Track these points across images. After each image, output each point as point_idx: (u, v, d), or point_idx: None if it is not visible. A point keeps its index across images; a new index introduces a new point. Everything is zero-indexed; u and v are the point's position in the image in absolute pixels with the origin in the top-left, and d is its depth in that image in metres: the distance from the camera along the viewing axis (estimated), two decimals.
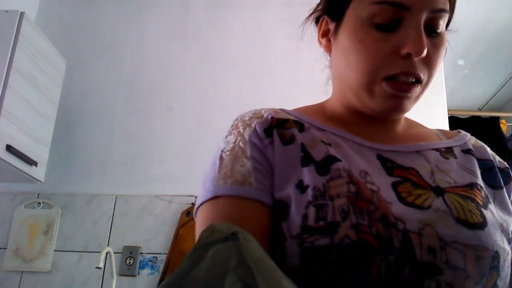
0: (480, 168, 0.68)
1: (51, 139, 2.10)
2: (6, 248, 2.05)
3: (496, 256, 0.54)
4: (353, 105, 0.69)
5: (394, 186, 0.59)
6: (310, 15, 0.75)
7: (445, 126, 2.31)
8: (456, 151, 0.69)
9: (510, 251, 0.58)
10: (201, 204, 0.61)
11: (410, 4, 0.60)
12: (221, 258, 0.34)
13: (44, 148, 2.05)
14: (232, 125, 0.69)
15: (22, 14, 1.87)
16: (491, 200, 0.63)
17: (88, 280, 2.01)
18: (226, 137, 0.68)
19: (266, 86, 2.33)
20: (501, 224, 0.58)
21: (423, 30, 0.60)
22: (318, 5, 0.74)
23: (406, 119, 0.76)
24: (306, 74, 2.26)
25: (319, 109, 0.74)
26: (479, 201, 0.60)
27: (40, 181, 2.03)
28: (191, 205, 2.11)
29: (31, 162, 1.91)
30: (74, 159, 2.22)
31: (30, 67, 1.92)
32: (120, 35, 2.45)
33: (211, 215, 0.58)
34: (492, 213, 0.59)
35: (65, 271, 2.03)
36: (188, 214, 2.09)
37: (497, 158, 0.73)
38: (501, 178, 0.68)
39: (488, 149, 0.73)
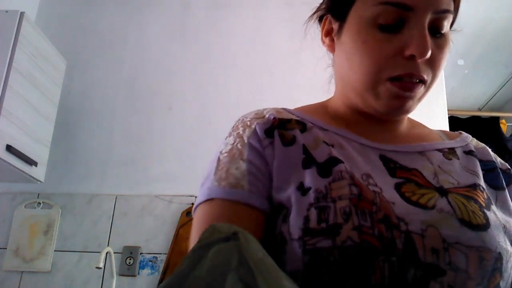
0: (482, 170, 0.68)
1: (51, 139, 2.10)
2: (6, 248, 2.05)
3: (499, 258, 0.54)
4: (356, 105, 0.69)
5: (397, 186, 0.59)
6: (314, 13, 0.75)
7: (445, 126, 2.31)
8: (459, 152, 0.69)
9: None
10: (198, 205, 0.62)
11: (414, 5, 0.59)
12: (222, 258, 0.34)
13: (44, 148, 2.05)
14: (233, 126, 0.69)
15: (22, 14, 1.87)
16: (493, 202, 0.63)
17: (88, 280, 2.01)
18: (226, 138, 0.68)
19: (266, 86, 2.33)
20: (504, 226, 0.58)
21: (427, 31, 0.60)
22: (321, 4, 0.74)
23: (409, 119, 0.75)
24: (306, 74, 2.26)
25: (322, 108, 0.74)
26: (482, 202, 0.60)
27: (40, 181, 2.03)
28: (191, 205, 2.11)
29: (31, 162, 1.91)
30: (74, 159, 2.22)
31: (30, 67, 1.92)
32: (120, 35, 2.45)
33: (204, 217, 0.59)
34: (495, 214, 0.59)
35: (65, 271, 2.03)
36: (188, 214, 2.09)
37: (499, 159, 0.73)
38: (503, 179, 0.68)
39: (490, 150, 0.73)
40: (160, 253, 2.05)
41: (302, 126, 0.66)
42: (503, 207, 0.63)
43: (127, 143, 2.24)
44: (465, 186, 0.62)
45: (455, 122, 3.07)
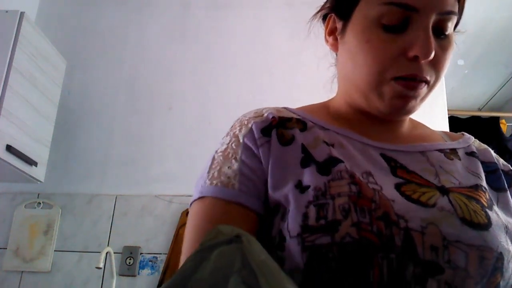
0: (484, 171, 0.68)
1: (51, 139, 2.10)
2: (6, 248, 2.05)
3: (500, 257, 0.54)
4: (359, 105, 0.69)
5: (398, 185, 0.59)
6: (317, 12, 0.75)
7: (445, 126, 2.31)
8: (460, 153, 0.69)
9: None
10: (192, 203, 0.63)
11: (419, 6, 0.59)
12: (225, 261, 0.34)
13: (44, 148, 2.05)
14: (232, 126, 0.70)
15: (22, 14, 1.87)
16: (495, 203, 0.63)
17: (88, 280, 2.01)
18: (223, 138, 0.68)
19: (266, 86, 2.33)
20: (506, 226, 0.58)
21: (431, 33, 0.60)
22: (325, 2, 0.74)
23: (411, 119, 0.75)
24: (306, 74, 2.26)
25: (323, 108, 0.74)
26: (484, 202, 0.60)
27: (40, 181, 2.03)
28: None
29: (31, 162, 1.91)
30: (74, 159, 2.22)
31: (30, 67, 1.92)
32: (120, 35, 2.44)
33: (196, 215, 0.61)
34: (497, 214, 0.59)
35: (65, 271, 2.03)
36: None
37: (501, 160, 0.73)
38: (505, 181, 0.68)
39: (492, 151, 0.73)
40: (160, 253, 2.05)
41: (303, 125, 0.67)
42: (505, 208, 0.64)
43: (127, 143, 2.24)
44: (467, 186, 0.62)
45: (455, 122, 3.07)
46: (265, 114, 0.68)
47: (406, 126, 0.72)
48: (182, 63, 2.39)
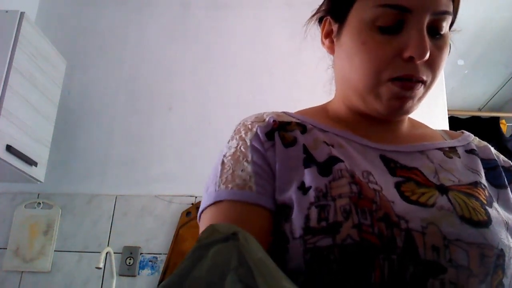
0: (484, 168, 0.68)
1: (51, 139, 2.10)
2: (6, 248, 2.05)
3: (501, 254, 0.54)
4: (357, 107, 0.69)
5: (397, 185, 0.59)
6: (313, 15, 0.75)
7: (445, 126, 2.31)
8: (460, 151, 0.69)
9: None
10: (204, 209, 0.62)
11: (413, 7, 0.60)
12: (222, 258, 0.34)
13: (44, 148, 2.05)
14: (235, 130, 0.70)
15: (22, 14, 1.87)
16: (495, 200, 0.63)
17: (88, 280, 2.01)
18: (228, 142, 0.68)
19: (266, 86, 2.33)
20: (506, 222, 0.58)
21: (425, 33, 0.60)
22: (321, 5, 0.74)
23: (410, 119, 0.76)
24: (306, 74, 2.26)
25: (322, 111, 0.74)
26: (483, 200, 0.60)
27: (40, 181, 2.03)
28: (191, 205, 2.11)
29: (31, 162, 1.91)
30: (74, 159, 2.22)
31: (30, 67, 1.92)
32: (120, 35, 2.45)
33: (213, 220, 0.59)
34: (497, 211, 0.59)
35: (65, 271, 2.03)
36: (188, 214, 2.09)
37: (501, 157, 0.73)
38: (505, 177, 0.68)
39: (492, 148, 0.73)
40: (160, 253, 2.05)
41: (302, 128, 0.67)
42: (505, 205, 0.64)
43: (127, 143, 2.24)
44: (466, 184, 0.62)
45: (455, 122, 3.07)
46: (266, 119, 0.68)
47: (405, 126, 0.72)
48: (182, 63, 2.39)
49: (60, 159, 2.20)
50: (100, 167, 2.20)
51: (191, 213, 2.08)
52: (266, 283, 0.33)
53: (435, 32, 0.62)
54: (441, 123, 2.28)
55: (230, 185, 0.60)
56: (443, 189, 0.59)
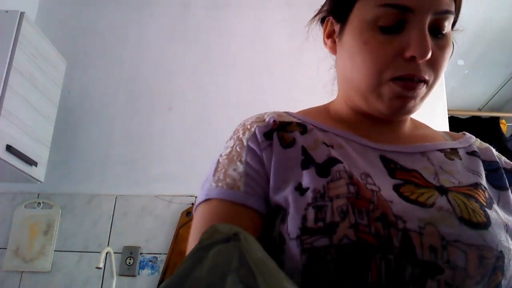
0: (485, 170, 0.68)
1: (51, 139, 2.10)
2: (6, 248, 2.05)
3: (500, 256, 0.54)
4: (359, 106, 0.69)
5: (396, 187, 0.59)
6: (316, 15, 0.75)
7: (445, 126, 2.31)
8: (461, 152, 0.69)
9: None
10: (197, 206, 0.63)
11: (414, 7, 0.60)
12: (222, 259, 0.34)
13: (44, 148, 2.05)
14: (234, 130, 0.70)
15: (22, 14, 1.87)
16: (495, 201, 0.63)
17: (88, 280, 2.01)
18: (227, 142, 0.69)
19: (266, 86, 2.33)
20: (506, 224, 0.58)
21: (427, 33, 0.60)
22: (323, 6, 0.74)
23: (412, 120, 0.76)
24: (306, 74, 2.26)
25: (324, 111, 0.74)
26: (483, 201, 0.60)
27: (40, 181, 2.03)
28: (191, 205, 2.11)
29: (31, 162, 1.91)
30: (74, 159, 2.22)
31: (30, 67, 1.92)
32: (120, 35, 2.45)
33: (202, 217, 0.60)
34: (497, 213, 0.59)
35: (65, 271, 2.03)
36: (188, 214, 2.09)
37: (503, 159, 0.73)
38: (506, 179, 0.68)
39: (494, 150, 0.73)
40: (160, 253, 2.05)
41: (303, 128, 0.67)
42: (506, 207, 0.63)
43: (127, 143, 2.24)
44: (466, 185, 0.62)
45: (455, 122, 3.07)
46: (267, 119, 0.68)
47: (407, 126, 0.72)
48: (182, 63, 2.39)
49: (60, 159, 2.20)
50: (100, 167, 2.20)
51: (191, 213, 2.08)
52: (266, 283, 0.33)
53: (437, 31, 0.62)
54: (441, 123, 2.28)
55: (220, 184, 0.61)
56: (443, 190, 0.59)
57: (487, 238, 0.54)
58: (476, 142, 0.73)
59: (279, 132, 0.66)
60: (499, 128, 3.16)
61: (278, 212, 0.59)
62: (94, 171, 2.19)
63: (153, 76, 2.36)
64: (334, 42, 0.71)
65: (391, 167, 0.63)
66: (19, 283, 2.01)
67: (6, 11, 1.86)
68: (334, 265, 0.52)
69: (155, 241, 2.07)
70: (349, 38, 0.66)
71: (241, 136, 0.67)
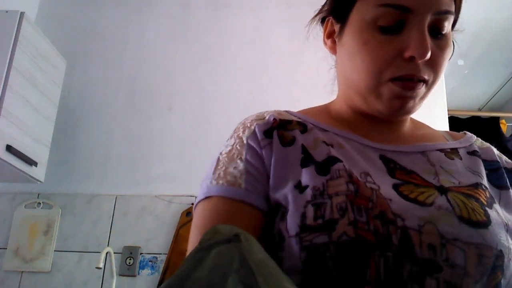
0: (486, 169, 0.68)
1: (51, 139, 2.10)
2: (6, 248, 2.05)
3: (500, 255, 0.54)
4: (358, 106, 0.69)
5: (395, 186, 0.59)
6: (316, 16, 0.75)
7: (445, 126, 2.31)
8: (462, 152, 0.69)
9: None
10: (197, 204, 0.63)
11: (414, 7, 0.60)
12: (223, 260, 0.34)
13: (44, 148, 2.05)
14: (235, 129, 0.70)
15: (22, 14, 1.87)
16: (496, 201, 0.63)
17: (88, 280, 2.01)
18: (227, 140, 0.69)
19: (266, 86, 2.33)
20: (506, 224, 0.58)
21: (427, 33, 0.60)
22: (323, 6, 0.74)
23: (413, 120, 0.76)
24: (306, 74, 2.26)
25: (325, 110, 0.74)
26: (483, 201, 0.60)
27: (40, 181, 2.03)
28: (191, 205, 2.11)
29: (31, 162, 1.91)
30: (74, 159, 2.22)
31: (30, 67, 1.92)
32: (120, 35, 2.45)
33: (202, 214, 0.61)
34: (497, 212, 0.59)
35: (65, 271, 2.03)
36: (188, 214, 2.09)
37: (504, 158, 0.73)
38: (507, 179, 0.68)
39: (495, 149, 0.73)
40: (160, 253, 2.05)
41: (303, 127, 0.67)
42: (507, 206, 0.63)
43: (127, 143, 2.24)
44: (466, 185, 0.62)
45: (455, 122, 3.07)
46: (267, 117, 0.69)
47: (407, 126, 0.72)
48: (182, 63, 2.39)
49: (60, 159, 2.20)
50: (100, 167, 2.20)
51: (191, 213, 2.08)
52: (267, 284, 0.33)
53: (437, 32, 0.62)
54: (441, 123, 2.28)
55: (221, 181, 0.62)
56: (443, 190, 0.59)
57: (486, 237, 0.54)
58: (477, 142, 0.73)
59: (279, 130, 0.66)
60: (499, 128, 3.16)
61: (278, 209, 0.60)
62: (94, 171, 2.19)
63: (153, 76, 2.36)
64: (334, 42, 0.71)
65: (391, 166, 0.63)
66: (19, 283, 2.01)
67: (6, 11, 1.86)
68: (333, 262, 0.52)
69: (155, 241, 2.07)
70: (348, 38, 0.66)
71: (241, 134, 0.67)
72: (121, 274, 2.01)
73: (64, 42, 2.35)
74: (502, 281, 0.54)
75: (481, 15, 2.75)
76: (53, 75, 2.11)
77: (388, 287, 0.51)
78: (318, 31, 0.76)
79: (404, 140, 0.69)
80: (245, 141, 0.65)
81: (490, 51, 3.11)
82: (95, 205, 2.13)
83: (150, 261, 2.04)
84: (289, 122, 0.68)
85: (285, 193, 0.59)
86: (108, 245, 2.03)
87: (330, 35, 0.72)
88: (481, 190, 0.62)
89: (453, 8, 0.62)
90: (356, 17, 0.65)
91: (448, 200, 0.57)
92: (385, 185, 0.58)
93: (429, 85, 0.63)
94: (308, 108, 0.75)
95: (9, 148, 1.75)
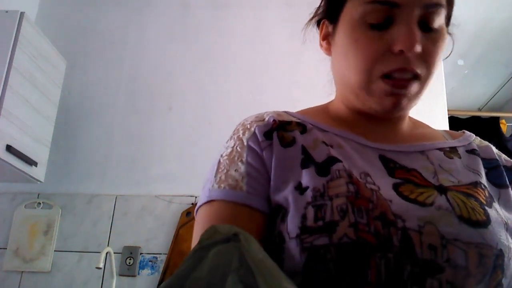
0: (485, 168, 0.68)
1: (51, 139, 2.10)
2: (6, 248, 2.05)
3: (500, 255, 0.54)
4: (354, 105, 0.69)
5: (395, 186, 0.59)
6: (311, 19, 0.76)
7: (445, 126, 2.31)
8: (461, 151, 0.69)
9: None
10: (199, 207, 0.63)
11: (401, 1, 0.60)
12: (222, 259, 0.34)
13: (44, 148, 2.05)
14: (234, 130, 0.70)
15: (22, 14, 1.87)
16: (495, 199, 0.63)
17: (88, 280, 2.01)
18: (227, 142, 0.69)
19: (266, 86, 2.33)
20: (506, 223, 0.58)
21: (415, 26, 0.60)
22: (318, 8, 0.75)
23: (411, 119, 0.76)
24: (306, 74, 2.27)
25: (323, 110, 0.74)
26: (483, 200, 0.60)
27: (40, 181, 2.03)
28: (191, 205, 2.11)
29: (31, 162, 1.91)
30: (74, 159, 2.22)
31: (30, 67, 1.92)
32: (120, 35, 2.45)
33: (205, 218, 0.60)
34: (497, 211, 0.59)
35: (65, 271, 2.03)
36: (188, 214, 2.09)
37: (503, 156, 0.73)
38: (507, 177, 0.68)
39: (494, 148, 0.73)
40: (160, 253, 2.05)
41: (302, 127, 0.67)
42: (507, 205, 0.63)
43: (127, 143, 2.24)
44: (466, 184, 0.62)
45: (455, 122, 3.07)
46: (266, 118, 0.68)
47: (405, 125, 0.72)
48: (182, 63, 2.39)
49: (60, 159, 2.20)
50: (100, 167, 2.20)
51: (191, 213, 2.08)
52: (266, 283, 0.33)
53: (428, 25, 0.62)
54: (441, 123, 2.28)
55: (223, 185, 0.61)
56: (442, 189, 0.59)
57: (486, 237, 0.54)
58: (475, 140, 0.73)
59: (279, 132, 0.66)
60: (499, 128, 3.16)
61: (278, 211, 0.59)
62: (94, 171, 2.19)
63: (153, 76, 2.36)
64: (329, 43, 0.72)
65: (391, 166, 0.63)
66: (19, 283, 2.01)
67: (6, 11, 1.86)
68: (333, 264, 0.52)
69: (155, 241, 2.07)
70: (341, 37, 0.67)
71: (241, 136, 0.67)
72: (121, 274, 2.01)
73: (64, 42, 2.35)
74: (503, 280, 0.54)
75: (481, 15, 2.75)
76: (53, 75, 2.11)
77: None
78: (316, 32, 0.76)
79: (403, 139, 0.69)
80: (245, 143, 0.65)
81: (490, 51, 3.11)
82: (95, 205, 2.13)
83: (150, 261, 2.04)
84: (289, 123, 0.68)
85: (286, 194, 0.59)
86: (108, 245, 2.03)
87: (325, 37, 0.73)
88: (480, 189, 0.62)
89: (443, 1, 0.62)
90: (346, 16, 0.66)
91: (448, 200, 0.57)
92: (385, 186, 0.58)
93: (422, 80, 0.63)
94: (307, 108, 0.76)
95: (9, 148, 1.75)
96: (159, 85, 2.34)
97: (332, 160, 0.61)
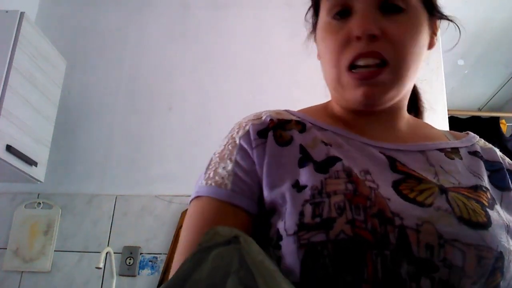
0: (488, 170, 0.67)
1: (51, 139, 2.10)
2: (6, 248, 2.05)
3: (500, 257, 0.53)
4: (342, 103, 0.70)
5: (395, 184, 0.59)
6: (310, 33, 0.78)
7: (445, 126, 2.30)
8: (463, 152, 0.69)
9: None
10: (190, 202, 0.65)
11: None
12: (223, 261, 0.34)
13: (44, 148, 2.05)
14: (231, 129, 0.71)
15: (22, 14, 1.87)
16: (498, 202, 0.63)
17: (88, 280, 2.01)
18: (222, 140, 0.70)
19: (266, 86, 2.33)
20: (507, 225, 0.57)
21: (371, 9, 0.62)
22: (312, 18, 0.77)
23: (414, 119, 0.76)
24: (306, 74, 2.26)
25: (323, 109, 0.75)
26: (484, 202, 0.59)
27: (40, 181, 2.03)
28: None
29: (31, 162, 1.91)
30: (74, 159, 2.22)
31: (30, 67, 1.92)
32: (120, 35, 2.44)
33: (191, 214, 0.62)
34: (498, 213, 0.59)
35: (65, 271, 2.03)
36: None
37: (507, 160, 0.72)
38: (509, 180, 0.67)
39: (498, 151, 0.73)
40: (160, 253, 2.05)
41: (302, 126, 0.67)
42: (509, 207, 0.63)
43: (127, 143, 2.24)
44: (467, 187, 0.61)
45: (455, 122, 3.06)
46: (264, 117, 0.68)
47: (405, 124, 0.72)
48: (182, 63, 2.39)
49: (60, 159, 2.20)
50: (100, 167, 2.20)
51: None
52: (266, 285, 0.33)
53: (392, 7, 0.62)
54: (441, 123, 2.27)
55: (210, 182, 0.63)
56: (442, 190, 0.59)
57: (487, 239, 0.54)
58: (479, 142, 0.73)
59: (276, 130, 0.66)
60: (499, 128, 3.16)
61: (274, 210, 0.60)
62: (94, 171, 2.19)
63: (153, 76, 2.36)
64: None
65: (391, 162, 0.63)
66: (19, 283, 2.01)
67: (6, 11, 1.86)
68: (330, 260, 0.52)
69: (155, 241, 2.07)
70: (318, 40, 0.70)
71: (235, 134, 0.68)
72: (121, 274, 2.01)
73: (64, 42, 2.35)
74: (501, 283, 0.54)
75: (481, 15, 2.75)
76: (53, 75, 2.11)
77: (386, 285, 0.51)
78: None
79: (403, 138, 0.69)
80: (237, 142, 0.66)
81: (490, 51, 3.11)
82: (95, 205, 2.13)
83: (150, 261, 2.04)
84: (288, 121, 0.68)
85: (282, 191, 0.59)
86: (108, 245, 2.03)
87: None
88: (481, 192, 0.61)
89: None
90: (320, 20, 0.69)
91: (448, 201, 0.57)
92: (384, 184, 0.58)
93: (393, 66, 0.62)
94: (308, 107, 0.76)
95: (9, 148, 1.75)
96: (159, 85, 2.34)
97: (332, 160, 0.61)
